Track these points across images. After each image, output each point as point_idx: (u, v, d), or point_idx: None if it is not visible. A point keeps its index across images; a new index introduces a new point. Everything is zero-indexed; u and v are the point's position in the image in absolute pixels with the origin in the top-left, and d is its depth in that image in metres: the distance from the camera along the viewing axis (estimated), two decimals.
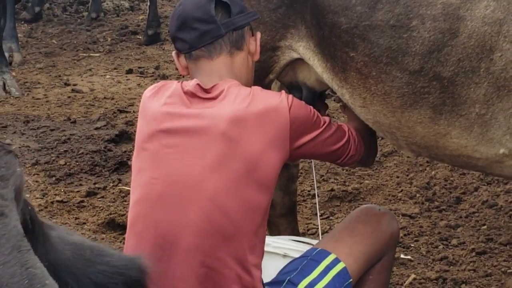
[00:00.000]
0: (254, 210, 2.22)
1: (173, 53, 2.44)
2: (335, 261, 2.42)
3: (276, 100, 2.28)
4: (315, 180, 3.60)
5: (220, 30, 2.32)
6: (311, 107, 2.40)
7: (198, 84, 2.29)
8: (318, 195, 3.71)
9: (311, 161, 4.35)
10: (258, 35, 2.44)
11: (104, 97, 6.25)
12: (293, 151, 2.31)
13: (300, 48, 2.74)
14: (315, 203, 4.34)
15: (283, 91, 2.37)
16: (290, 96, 2.33)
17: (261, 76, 2.72)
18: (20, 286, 1.15)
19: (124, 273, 1.44)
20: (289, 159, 2.35)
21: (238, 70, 2.36)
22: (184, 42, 2.35)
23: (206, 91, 2.29)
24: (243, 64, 2.38)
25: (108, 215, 4.16)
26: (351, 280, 2.43)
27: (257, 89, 2.32)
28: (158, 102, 2.31)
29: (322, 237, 3.09)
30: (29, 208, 1.36)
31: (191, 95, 2.29)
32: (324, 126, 2.39)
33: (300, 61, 2.79)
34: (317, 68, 2.75)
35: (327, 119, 2.44)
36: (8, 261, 1.16)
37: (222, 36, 2.32)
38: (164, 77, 6.48)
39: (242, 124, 2.21)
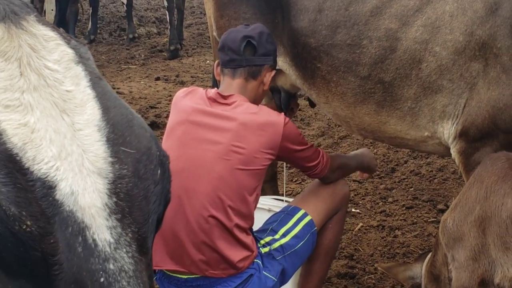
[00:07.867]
0: (243, 188, 2.19)
1: (215, 63, 2.41)
2: (304, 215, 2.42)
3: (276, 117, 2.23)
4: None
5: (243, 62, 2.28)
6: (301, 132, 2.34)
7: (218, 93, 2.27)
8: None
9: None
10: (273, 72, 2.35)
11: (139, 97, 6.20)
12: (277, 156, 2.28)
13: (279, 62, 2.71)
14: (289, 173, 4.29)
15: (282, 114, 2.30)
16: (287, 118, 2.27)
17: None
18: None
19: None
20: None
21: (248, 93, 2.30)
22: (221, 59, 2.32)
23: (224, 97, 2.25)
24: (253, 89, 2.31)
25: None
26: (316, 228, 2.43)
27: (263, 107, 2.29)
28: (188, 101, 2.28)
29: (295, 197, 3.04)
30: None
31: (212, 100, 2.26)
32: (305, 147, 2.31)
33: (279, 71, 2.75)
34: (292, 76, 2.73)
35: (310, 144, 2.35)
36: None
37: (243, 66, 2.28)
38: (182, 83, 6.41)
39: (248, 128, 2.17)
